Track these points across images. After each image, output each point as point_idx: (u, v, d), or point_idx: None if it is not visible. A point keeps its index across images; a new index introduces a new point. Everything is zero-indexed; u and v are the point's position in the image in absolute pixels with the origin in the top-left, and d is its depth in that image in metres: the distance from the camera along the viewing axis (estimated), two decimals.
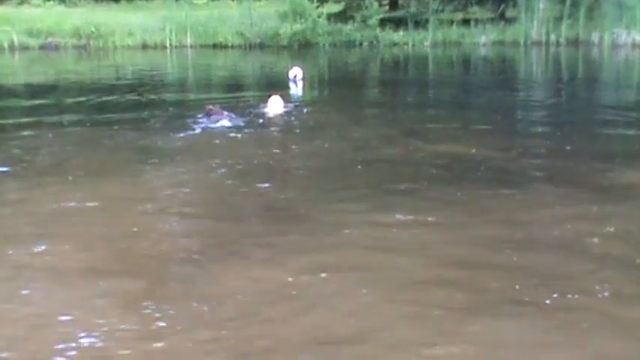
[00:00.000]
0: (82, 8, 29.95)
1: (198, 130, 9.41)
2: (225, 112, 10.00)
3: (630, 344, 3.73)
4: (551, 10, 24.43)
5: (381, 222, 5.56)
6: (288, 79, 14.29)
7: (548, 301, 4.13)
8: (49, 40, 23.84)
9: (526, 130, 9.57)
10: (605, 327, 3.87)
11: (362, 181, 6.90)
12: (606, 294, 4.22)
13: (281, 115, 10.70)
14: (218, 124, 9.63)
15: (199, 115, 9.96)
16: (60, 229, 5.59)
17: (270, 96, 11.18)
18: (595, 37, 23.46)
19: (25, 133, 9.42)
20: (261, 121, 10.19)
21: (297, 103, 11.93)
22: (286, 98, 11.65)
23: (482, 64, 20.94)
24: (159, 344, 3.75)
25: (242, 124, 9.79)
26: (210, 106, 10.09)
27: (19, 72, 19.47)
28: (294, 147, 8.77)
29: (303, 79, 13.99)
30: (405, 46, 24.37)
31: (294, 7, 24.76)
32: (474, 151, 7.97)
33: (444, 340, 3.76)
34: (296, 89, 13.56)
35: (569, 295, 4.18)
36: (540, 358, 3.63)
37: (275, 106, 10.91)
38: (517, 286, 4.33)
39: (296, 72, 14.08)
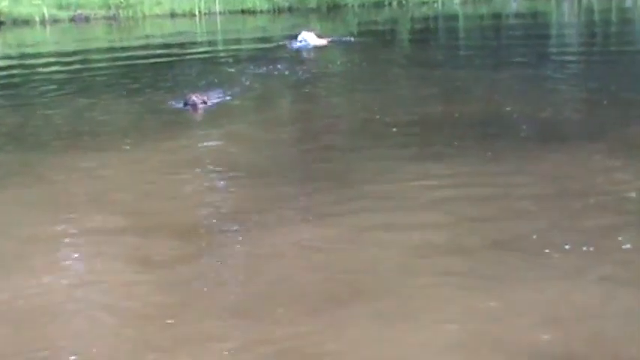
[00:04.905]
0: None
1: (233, 89, 9.72)
2: (207, 101, 8.76)
3: None
4: None
5: (416, 181, 5.57)
6: (297, 41, 14.05)
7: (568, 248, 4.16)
8: (79, 12, 23.98)
9: (560, 86, 9.44)
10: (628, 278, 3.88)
11: (397, 141, 6.93)
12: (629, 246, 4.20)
13: (311, 70, 11.26)
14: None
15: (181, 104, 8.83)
16: (98, 193, 5.75)
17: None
18: None
19: (61, 102, 9.68)
20: (288, 72, 10.93)
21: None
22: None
23: (514, 20, 20.60)
24: (191, 303, 3.84)
25: (274, 73, 10.76)
26: (194, 97, 8.63)
27: (50, 43, 19.61)
28: (326, 106, 8.97)
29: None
30: (435, 4, 24.05)
31: None
32: (508, 109, 7.91)
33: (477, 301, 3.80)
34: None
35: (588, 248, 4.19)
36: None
37: (312, 38, 13.39)
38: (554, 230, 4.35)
39: (304, 36, 13.84)
